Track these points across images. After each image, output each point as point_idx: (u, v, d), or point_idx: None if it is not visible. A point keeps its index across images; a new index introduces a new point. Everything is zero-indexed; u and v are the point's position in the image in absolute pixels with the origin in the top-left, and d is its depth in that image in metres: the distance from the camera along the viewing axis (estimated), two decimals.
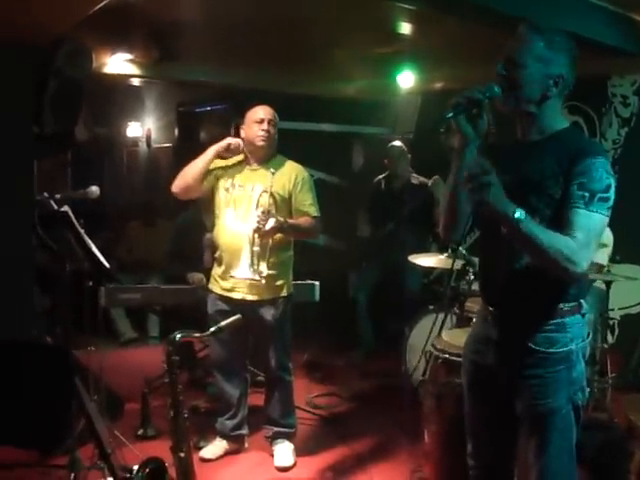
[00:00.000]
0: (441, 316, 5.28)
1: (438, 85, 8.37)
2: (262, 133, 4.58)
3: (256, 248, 4.39)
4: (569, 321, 2.73)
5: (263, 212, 4.38)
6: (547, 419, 2.72)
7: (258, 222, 4.36)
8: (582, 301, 2.78)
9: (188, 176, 4.64)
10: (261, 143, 4.60)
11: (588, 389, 5.21)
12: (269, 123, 4.61)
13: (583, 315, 2.79)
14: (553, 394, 2.71)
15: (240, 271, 4.42)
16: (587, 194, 2.55)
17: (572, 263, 2.51)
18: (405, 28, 6.52)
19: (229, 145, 4.62)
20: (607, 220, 2.62)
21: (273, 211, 4.44)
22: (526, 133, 2.81)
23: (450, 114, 2.61)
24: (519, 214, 2.47)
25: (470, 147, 2.70)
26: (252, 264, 4.38)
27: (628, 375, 6.14)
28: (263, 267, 4.44)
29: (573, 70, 2.76)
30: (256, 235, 4.38)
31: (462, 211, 2.82)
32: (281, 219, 4.42)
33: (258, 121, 4.61)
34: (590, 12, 5.64)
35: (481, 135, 2.70)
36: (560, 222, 2.58)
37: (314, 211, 4.67)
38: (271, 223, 4.36)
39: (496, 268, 2.83)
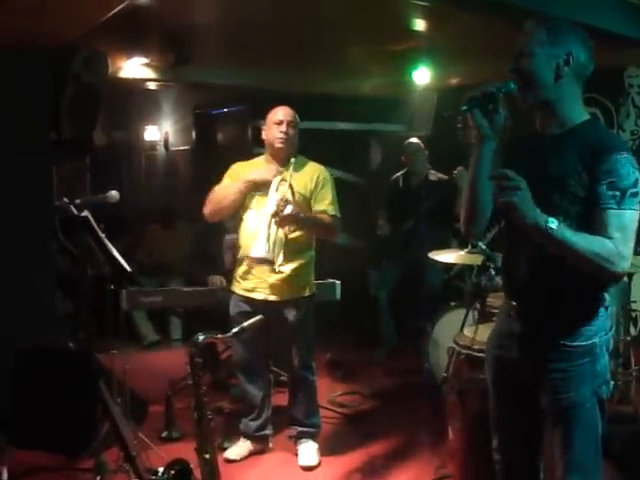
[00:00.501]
0: (463, 312, 5.29)
1: (454, 81, 8.35)
2: (281, 135, 4.58)
3: (272, 231, 4.37)
4: (593, 314, 2.72)
5: (282, 199, 4.37)
6: (571, 413, 2.72)
7: (277, 207, 4.35)
8: (605, 294, 2.77)
9: (221, 204, 4.65)
10: (279, 145, 4.60)
11: (612, 382, 5.20)
12: (288, 125, 4.61)
13: (606, 308, 2.78)
14: (577, 387, 2.70)
15: (256, 250, 4.38)
16: (618, 193, 2.54)
17: (612, 264, 2.53)
18: (419, 24, 6.50)
19: (265, 182, 4.59)
20: (639, 214, 2.62)
21: (291, 199, 4.43)
22: (545, 126, 2.80)
23: (464, 107, 2.62)
24: (552, 223, 2.49)
25: (487, 143, 2.71)
26: (267, 243, 4.33)
27: None
28: (280, 257, 4.44)
29: (586, 51, 2.76)
30: (273, 220, 4.37)
31: (482, 205, 2.81)
32: (298, 209, 4.42)
33: (277, 122, 4.62)
34: (604, 3, 5.61)
35: (498, 131, 2.70)
36: (588, 221, 2.59)
37: (333, 210, 4.66)
38: (288, 210, 4.35)
39: (519, 262, 2.82)
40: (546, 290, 2.73)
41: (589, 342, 2.70)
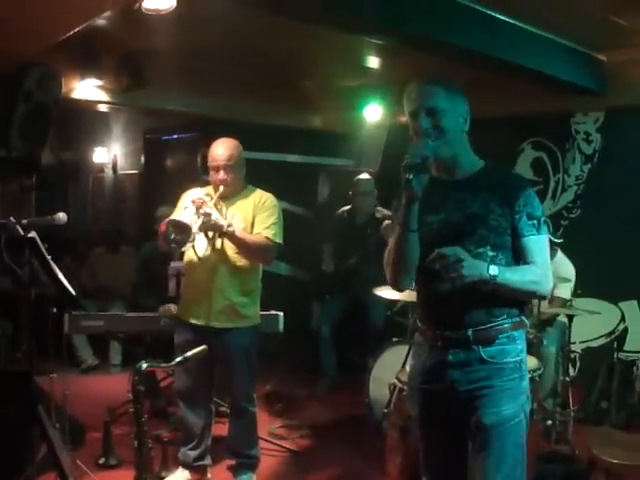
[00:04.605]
0: (405, 348, 5.32)
1: (404, 119, 8.41)
2: (219, 179, 4.56)
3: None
4: (517, 334, 2.93)
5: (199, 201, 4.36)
6: (502, 427, 2.83)
7: (193, 203, 4.34)
8: (524, 317, 2.99)
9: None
10: (221, 187, 4.57)
11: (550, 422, 5.29)
12: (224, 169, 4.53)
13: (524, 329, 3.01)
14: (507, 402, 2.85)
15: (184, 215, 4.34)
16: (535, 222, 2.89)
17: (542, 285, 2.89)
18: (373, 61, 6.59)
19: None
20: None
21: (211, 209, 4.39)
22: (449, 171, 3.00)
23: (412, 177, 2.71)
24: (493, 271, 2.74)
25: (416, 201, 2.82)
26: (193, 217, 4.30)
27: (589, 408, 6.19)
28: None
29: (470, 113, 2.98)
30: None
31: (412, 260, 2.93)
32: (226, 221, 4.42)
33: (214, 168, 4.57)
34: (554, 50, 5.75)
35: (424, 188, 2.79)
36: (512, 248, 2.89)
37: (270, 234, 4.56)
38: (215, 214, 4.36)
39: (443, 295, 2.91)
40: (473, 315, 2.87)
41: (517, 359, 2.91)
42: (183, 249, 4.47)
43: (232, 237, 4.43)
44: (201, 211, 4.30)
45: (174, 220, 4.28)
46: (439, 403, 2.97)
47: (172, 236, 4.25)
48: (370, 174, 7.48)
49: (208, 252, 4.56)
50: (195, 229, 4.27)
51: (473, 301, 2.83)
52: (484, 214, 2.86)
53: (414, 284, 3.14)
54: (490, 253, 2.85)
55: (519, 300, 2.95)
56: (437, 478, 3.08)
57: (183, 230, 4.24)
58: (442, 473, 3.06)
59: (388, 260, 3.03)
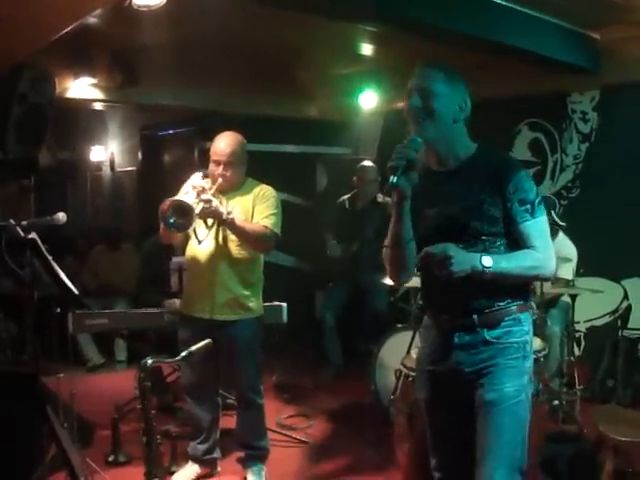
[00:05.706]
0: (409, 334, 5.33)
1: (400, 105, 8.41)
2: (219, 173, 4.55)
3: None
4: (523, 317, 2.96)
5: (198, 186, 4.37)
6: (502, 405, 2.84)
7: (193, 188, 4.35)
8: (530, 301, 3.04)
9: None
10: (220, 181, 4.56)
11: (557, 402, 5.30)
12: (224, 165, 4.52)
13: (531, 313, 3.05)
14: (509, 380, 2.87)
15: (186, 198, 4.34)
16: (529, 206, 2.87)
17: (545, 269, 2.90)
18: (367, 49, 6.59)
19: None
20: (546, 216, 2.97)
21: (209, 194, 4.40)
22: (442, 161, 3.00)
23: (396, 180, 2.72)
24: (487, 262, 2.75)
25: (407, 200, 2.83)
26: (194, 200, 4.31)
27: (595, 386, 6.22)
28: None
29: (470, 99, 2.96)
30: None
31: (409, 257, 2.96)
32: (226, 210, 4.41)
33: (215, 162, 4.56)
34: (547, 30, 5.74)
35: (413, 186, 2.80)
36: (510, 236, 2.89)
37: (268, 223, 4.55)
38: (215, 202, 4.35)
39: (449, 281, 2.85)
40: (478, 302, 2.90)
41: (522, 339, 2.93)
42: (183, 232, 4.44)
43: (232, 225, 4.42)
44: (202, 197, 4.31)
45: (177, 200, 4.27)
46: (445, 384, 3.00)
47: (172, 219, 4.25)
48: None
49: (209, 244, 4.56)
50: (196, 211, 4.28)
51: (475, 287, 2.83)
52: (476, 205, 2.86)
53: (416, 270, 3.13)
54: (486, 243, 2.86)
55: (522, 284, 2.96)
56: (445, 459, 3.10)
57: (185, 212, 4.24)
58: (450, 454, 3.07)
59: (386, 258, 3.07)
